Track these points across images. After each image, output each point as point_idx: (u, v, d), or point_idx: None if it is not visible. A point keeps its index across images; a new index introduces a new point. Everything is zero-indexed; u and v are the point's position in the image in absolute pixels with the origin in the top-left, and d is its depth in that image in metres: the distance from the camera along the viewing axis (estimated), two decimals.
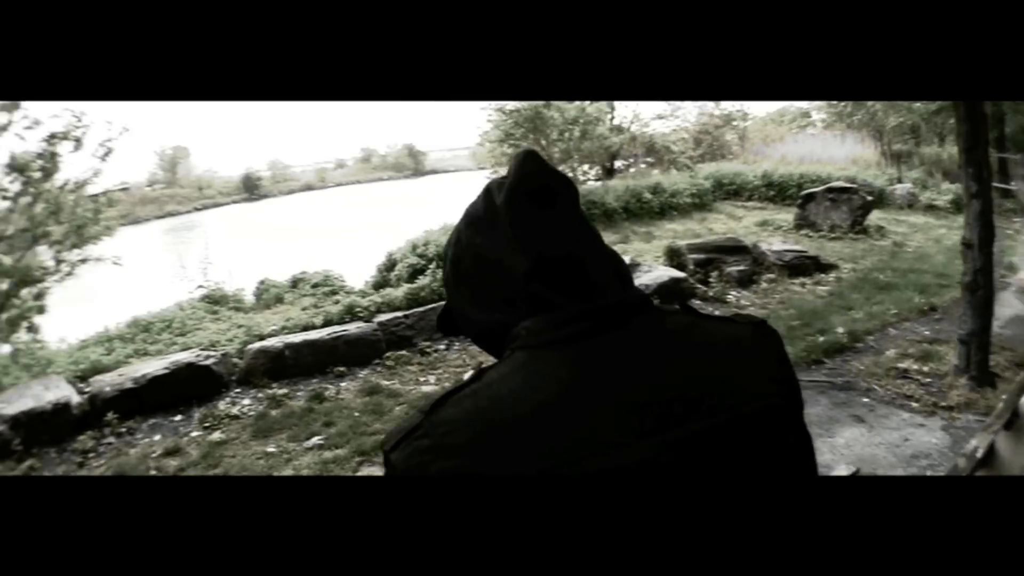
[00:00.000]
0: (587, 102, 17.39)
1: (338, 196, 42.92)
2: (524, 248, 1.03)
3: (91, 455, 6.73)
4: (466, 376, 1.01)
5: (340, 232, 23.09)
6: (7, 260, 11.13)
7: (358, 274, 12.84)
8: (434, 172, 54.17)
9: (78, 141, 10.78)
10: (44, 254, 11.52)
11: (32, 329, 12.46)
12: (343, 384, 7.26)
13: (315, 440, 6.13)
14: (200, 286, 11.92)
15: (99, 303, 13.22)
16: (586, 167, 20.97)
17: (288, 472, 5.68)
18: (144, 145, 52.26)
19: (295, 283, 12.44)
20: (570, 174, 16.15)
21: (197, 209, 44.22)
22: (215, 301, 11.70)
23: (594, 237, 1.10)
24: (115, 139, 11.47)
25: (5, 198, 11.06)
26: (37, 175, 10.74)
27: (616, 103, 21.25)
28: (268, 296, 12.02)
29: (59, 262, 11.26)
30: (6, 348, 10.13)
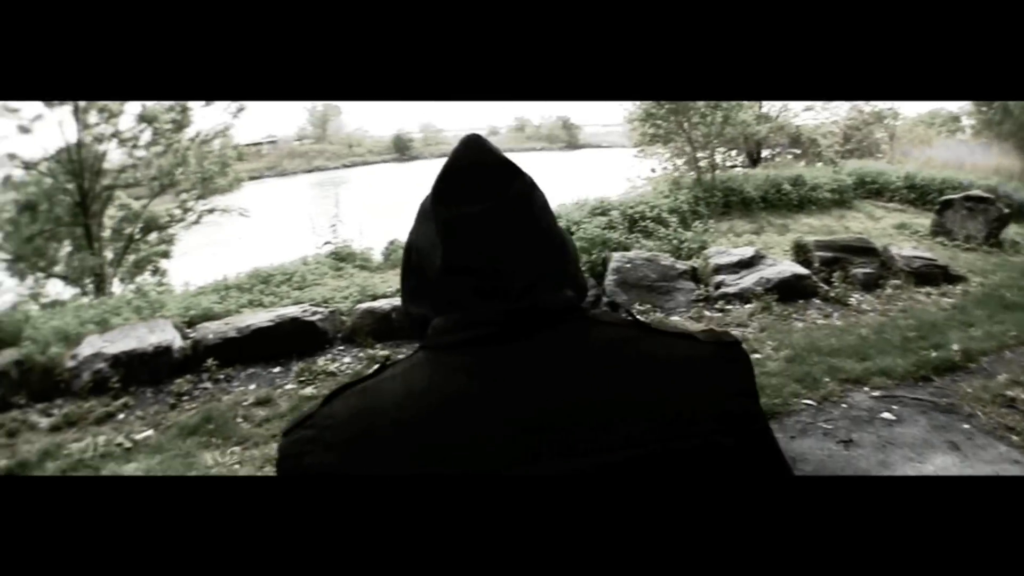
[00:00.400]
0: None
1: None
2: (442, 242, 0.98)
3: (185, 398, 6.84)
4: (371, 368, 1.02)
5: None
6: (135, 205, 11.74)
7: None
8: (587, 146, 53.11)
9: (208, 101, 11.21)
10: (171, 202, 12.14)
11: (157, 272, 13.17)
12: None
13: None
14: (328, 242, 12.07)
15: (230, 252, 13.63)
16: (733, 153, 20.52)
17: None
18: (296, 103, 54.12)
19: None
20: (711, 159, 15.73)
21: (346, 166, 45.46)
22: (342, 258, 11.67)
23: (532, 236, 1.00)
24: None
25: (136, 146, 11.67)
26: (167, 127, 11.21)
27: None
28: (396, 257, 11.95)
29: (185, 210, 11.81)
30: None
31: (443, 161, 1.03)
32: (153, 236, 12.30)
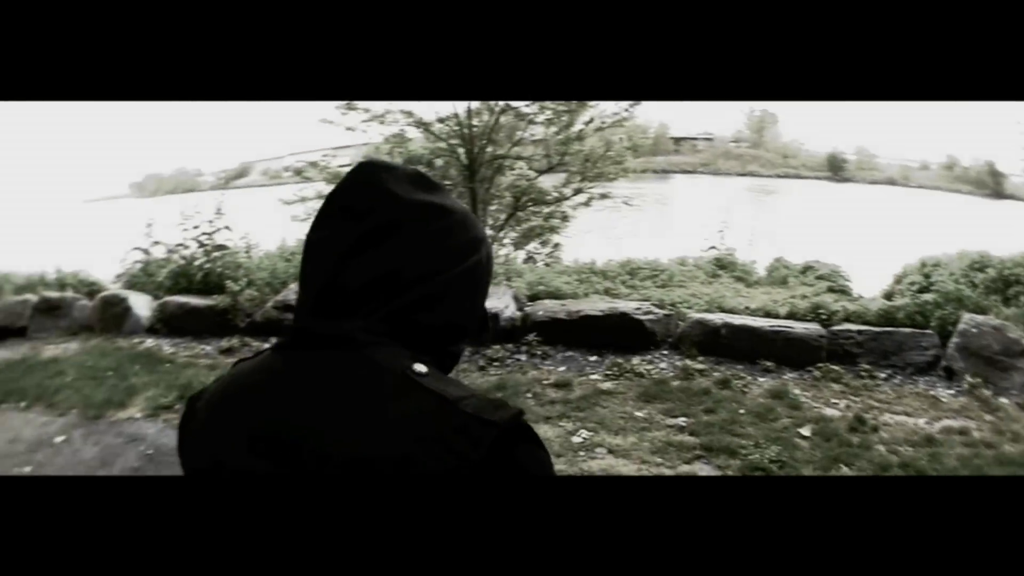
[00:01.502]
0: None
1: (917, 198, 39.05)
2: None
3: (496, 363, 6.99)
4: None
5: (903, 235, 21.49)
6: (529, 176, 12.26)
7: (880, 280, 11.56)
8: (1013, 198, 47.37)
9: None
10: (559, 181, 12.54)
11: (546, 243, 13.73)
12: (761, 380, 6.39)
13: (678, 420, 5.52)
14: (712, 247, 11.81)
15: (621, 238, 13.90)
16: None
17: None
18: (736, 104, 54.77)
19: (805, 269, 11.70)
20: None
21: (778, 176, 44.63)
22: (722, 266, 11.40)
23: (358, 264, 1.03)
24: None
25: (532, 122, 12.16)
26: (562, 108, 11.48)
27: None
28: (778, 274, 11.48)
29: (576, 191, 12.09)
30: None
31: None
32: (544, 210, 12.79)
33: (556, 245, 13.95)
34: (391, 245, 1.02)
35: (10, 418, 7.18)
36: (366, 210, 1.04)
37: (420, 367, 0.97)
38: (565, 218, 13.30)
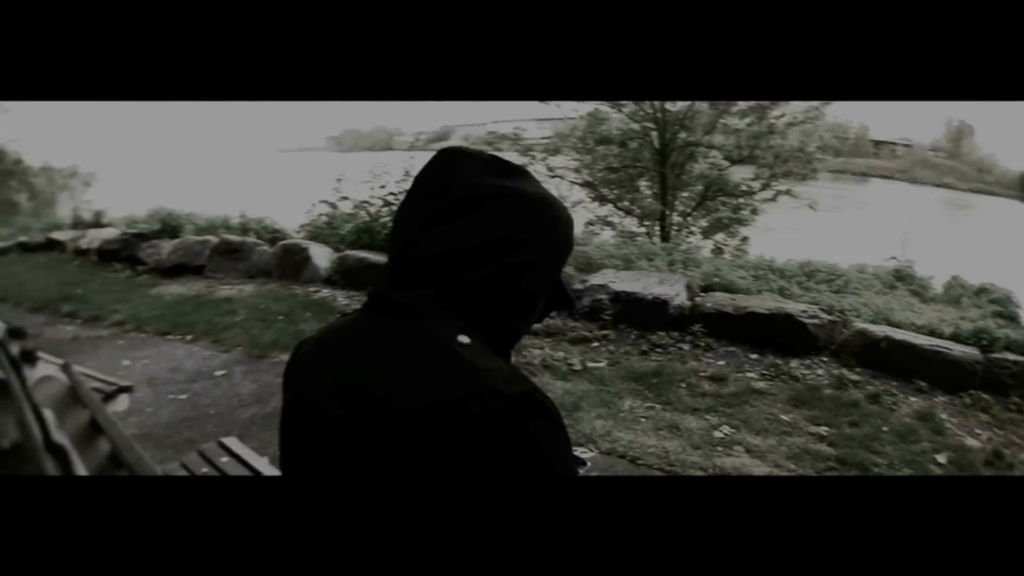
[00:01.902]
0: None
1: None
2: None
3: (658, 350, 7.26)
4: None
5: None
6: (721, 166, 12.30)
7: None
8: None
9: None
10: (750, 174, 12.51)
11: (734, 236, 13.72)
12: (911, 399, 6.37)
13: (820, 429, 5.67)
14: (893, 257, 11.58)
15: (813, 237, 13.66)
16: None
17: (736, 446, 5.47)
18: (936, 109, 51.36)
19: (979, 291, 11.25)
20: None
21: (972, 191, 41.83)
22: (900, 277, 11.16)
23: (425, 241, 1.14)
24: None
25: (727, 112, 12.10)
26: (765, 103, 11.46)
27: None
28: (952, 292, 11.11)
29: (764, 186, 12.06)
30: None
31: None
32: (732, 201, 12.81)
33: (744, 239, 13.95)
34: (456, 226, 1.13)
35: (175, 348, 7.87)
36: (438, 192, 1.15)
37: (464, 338, 1.08)
38: (755, 212, 13.29)
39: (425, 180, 1.18)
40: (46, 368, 3.13)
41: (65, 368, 3.22)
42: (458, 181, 1.15)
